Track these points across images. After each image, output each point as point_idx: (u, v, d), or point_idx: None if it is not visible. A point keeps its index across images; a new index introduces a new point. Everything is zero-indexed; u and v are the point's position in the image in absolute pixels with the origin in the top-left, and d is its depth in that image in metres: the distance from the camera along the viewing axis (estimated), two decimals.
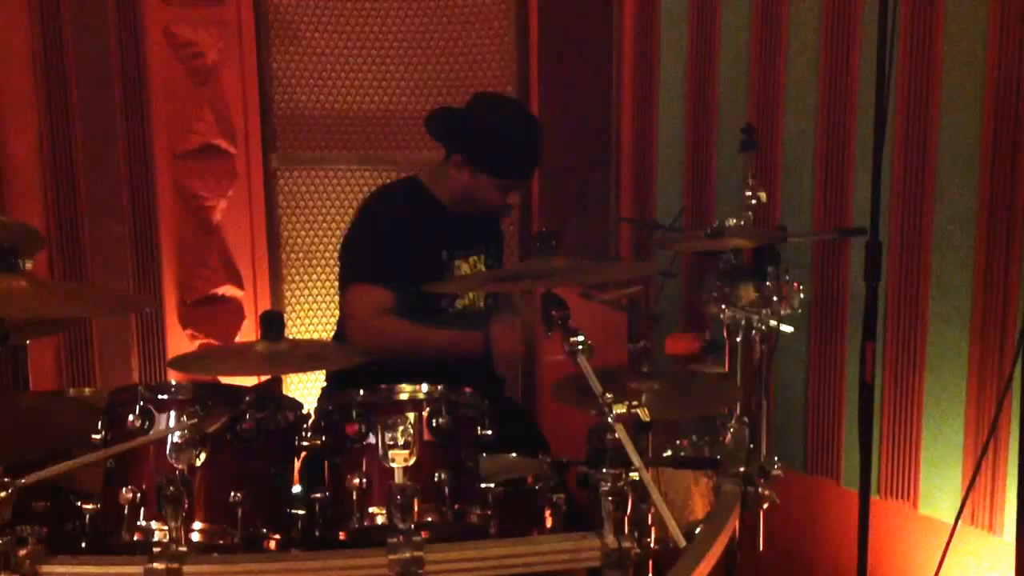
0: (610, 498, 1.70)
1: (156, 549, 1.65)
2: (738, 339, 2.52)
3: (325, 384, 2.94)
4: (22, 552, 1.60)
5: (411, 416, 1.92)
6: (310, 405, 2.16)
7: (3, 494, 1.55)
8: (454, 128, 2.76)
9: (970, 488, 2.58)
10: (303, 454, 2.09)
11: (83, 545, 1.93)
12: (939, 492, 2.78)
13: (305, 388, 3.67)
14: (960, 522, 2.58)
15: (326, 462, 2.01)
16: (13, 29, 3.25)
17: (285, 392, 2.74)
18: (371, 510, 1.92)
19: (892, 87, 2.45)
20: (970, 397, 2.70)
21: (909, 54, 2.73)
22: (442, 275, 2.77)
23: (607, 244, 3.73)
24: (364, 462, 1.95)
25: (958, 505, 2.62)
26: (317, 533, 1.97)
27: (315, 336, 3.77)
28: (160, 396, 1.93)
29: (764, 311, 2.46)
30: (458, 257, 2.82)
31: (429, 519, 1.91)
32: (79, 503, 1.93)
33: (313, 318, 3.82)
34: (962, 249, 2.69)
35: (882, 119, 2.40)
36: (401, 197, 2.86)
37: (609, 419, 1.74)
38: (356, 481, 1.92)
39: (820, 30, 2.96)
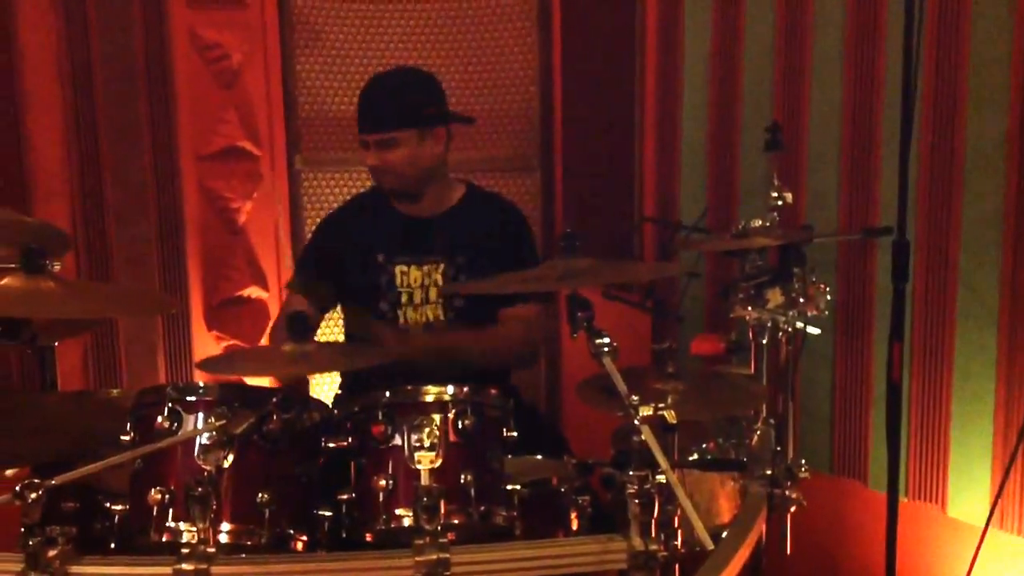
0: (637, 500, 1.70)
1: (184, 550, 1.66)
2: (764, 341, 2.51)
3: (340, 383, 2.95)
4: (52, 552, 1.61)
5: (437, 417, 1.92)
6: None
7: (33, 495, 1.56)
8: None
9: (1000, 490, 2.56)
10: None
11: (112, 546, 1.94)
12: (968, 495, 2.76)
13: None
14: (990, 525, 2.56)
15: (352, 463, 2.01)
16: (40, 32, 3.28)
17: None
18: (397, 511, 1.92)
19: (918, 85, 2.43)
20: (999, 398, 2.67)
21: (936, 51, 2.71)
22: (377, 278, 2.77)
23: (630, 244, 3.72)
24: (390, 463, 1.95)
25: (988, 508, 2.60)
26: (343, 534, 1.98)
27: (340, 336, 3.77)
28: (188, 397, 1.94)
29: (790, 312, 2.44)
30: (402, 263, 2.78)
31: (455, 520, 1.90)
32: (108, 504, 1.94)
33: (338, 319, 3.82)
34: (990, 248, 2.66)
35: (909, 117, 2.38)
36: (353, 204, 2.99)
37: (635, 421, 1.73)
38: (382, 482, 1.92)
39: (845, 27, 2.94)
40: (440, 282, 2.77)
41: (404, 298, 2.77)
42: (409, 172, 2.73)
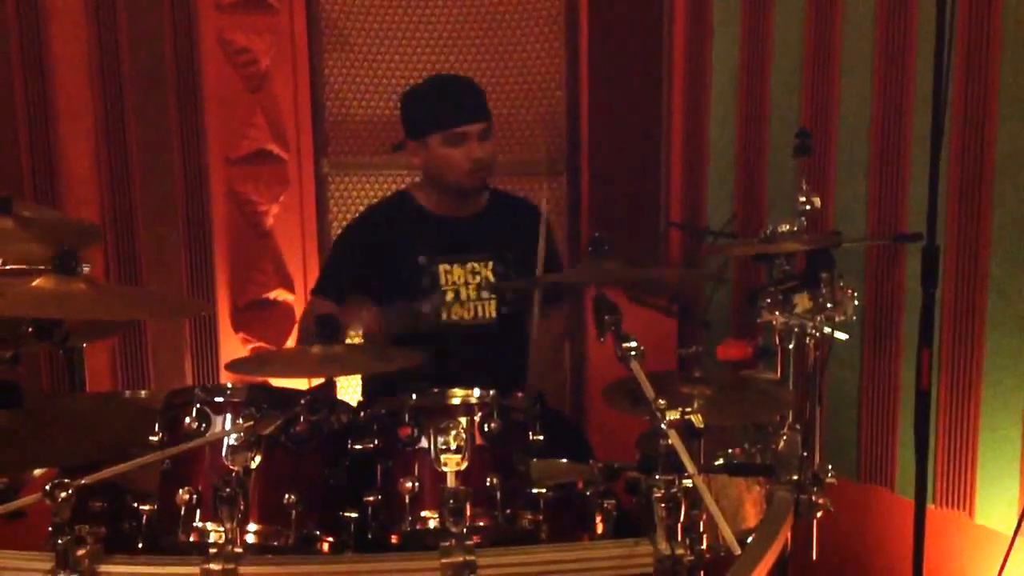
0: (663, 504, 1.69)
1: (212, 550, 1.68)
2: (791, 346, 2.50)
3: (363, 387, 2.96)
4: (81, 551, 1.62)
5: (463, 420, 1.93)
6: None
7: (63, 494, 1.58)
8: (402, 127, 2.87)
9: None
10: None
11: (140, 545, 1.95)
12: (996, 502, 2.73)
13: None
14: (1019, 533, 2.54)
15: (378, 465, 2.02)
16: (71, 37, 3.31)
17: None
18: (423, 514, 1.93)
19: (949, 88, 2.41)
20: None
21: (966, 56, 2.69)
22: (420, 281, 2.79)
23: (657, 249, 3.71)
24: (416, 466, 1.96)
25: (1016, 515, 2.58)
26: (370, 536, 1.99)
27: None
28: (216, 398, 1.95)
29: (818, 318, 2.43)
30: (445, 262, 2.80)
31: (481, 523, 1.91)
32: (136, 504, 1.96)
33: None
34: (1021, 254, 2.64)
35: (939, 122, 2.37)
36: (380, 209, 2.98)
37: (662, 425, 1.73)
38: (408, 485, 1.93)
39: (875, 31, 2.93)
40: (491, 278, 2.81)
41: (450, 296, 2.79)
42: (494, 164, 2.82)
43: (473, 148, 2.73)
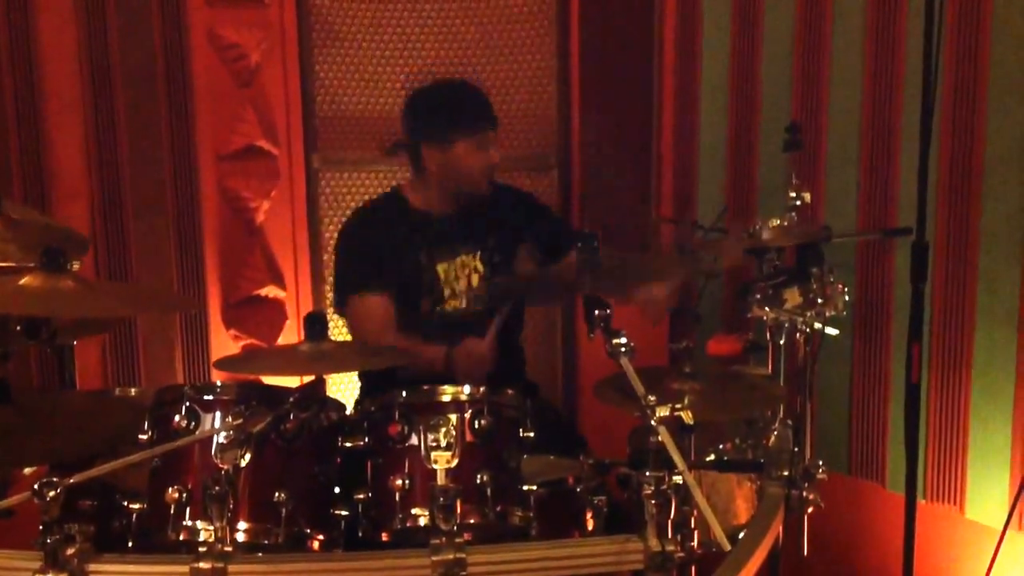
0: (653, 501, 1.69)
1: (201, 548, 1.67)
2: (781, 341, 2.50)
3: (360, 385, 2.96)
4: (70, 550, 1.62)
5: (453, 417, 1.93)
6: (349, 406, 2.17)
7: (52, 493, 1.57)
8: (410, 128, 2.86)
9: (1019, 493, 2.54)
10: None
11: (129, 544, 1.95)
12: (987, 496, 2.74)
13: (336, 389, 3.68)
14: (1009, 527, 2.54)
15: (369, 463, 2.02)
16: (60, 32, 3.29)
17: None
18: (414, 511, 1.93)
19: (939, 84, 2.41)
20: (1018, 399, 2.66)
21: (955, 50, 2.69)
22: (419, 279, 2.81)
23: (648, 244, 3.71)
24: (406, 463, 1.96)
25: (1006, 510, 2.58)
26: (360, 534, 1.98)
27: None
28: (206, 396, 1.95)
29: (808, 313, 2.43)
30: (441, 260, 2.83)
31: (471, 520, 1.91)
32: (126, 502, 1.96)
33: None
34: (1010, 248, 2.64)
35: (928, 117, 2.37)
36: (378, 210, 2.97)
37: (652, 421, 1.73)
38: (399, 482, 1.93)
39: (865, 26, 2.93)
40: (481, 268, 2.86)
41: (447, 292, 2.82)
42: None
43: (493, 154, 2.80)
